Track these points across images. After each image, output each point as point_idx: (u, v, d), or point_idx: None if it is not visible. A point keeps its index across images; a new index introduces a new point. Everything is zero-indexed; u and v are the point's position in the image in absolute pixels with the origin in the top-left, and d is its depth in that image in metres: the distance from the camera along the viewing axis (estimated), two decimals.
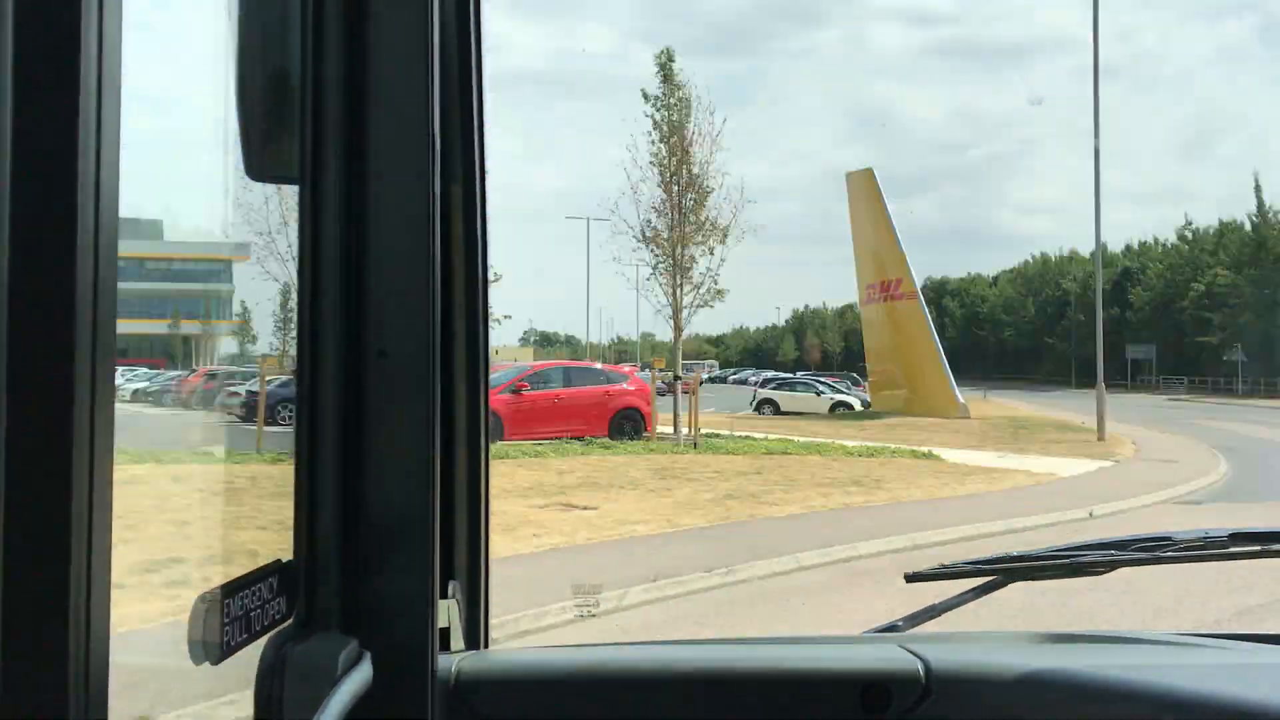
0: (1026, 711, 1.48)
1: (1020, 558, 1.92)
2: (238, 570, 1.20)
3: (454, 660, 1.53)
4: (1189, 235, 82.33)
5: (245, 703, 1.26)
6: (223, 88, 1.27)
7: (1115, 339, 74.98)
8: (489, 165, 1.67)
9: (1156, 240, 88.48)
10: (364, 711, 1.28)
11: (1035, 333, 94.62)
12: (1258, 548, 1.83)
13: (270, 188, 1.37)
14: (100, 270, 0.75)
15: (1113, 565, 1.87)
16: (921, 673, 1.54)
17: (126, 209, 0.80)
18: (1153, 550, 1.86)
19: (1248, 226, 70.05)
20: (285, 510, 1.35)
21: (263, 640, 1.23)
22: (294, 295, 1.37)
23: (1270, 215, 67.91)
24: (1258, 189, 72.11)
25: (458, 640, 1.59)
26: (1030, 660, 1.56)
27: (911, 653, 1.58)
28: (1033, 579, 1.94)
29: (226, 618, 1.14)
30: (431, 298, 1.39)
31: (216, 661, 1.12)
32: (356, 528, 1.37)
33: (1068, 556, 1.89)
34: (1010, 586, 1.92)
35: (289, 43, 1.30)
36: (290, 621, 1.29)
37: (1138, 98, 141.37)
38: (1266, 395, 58.60)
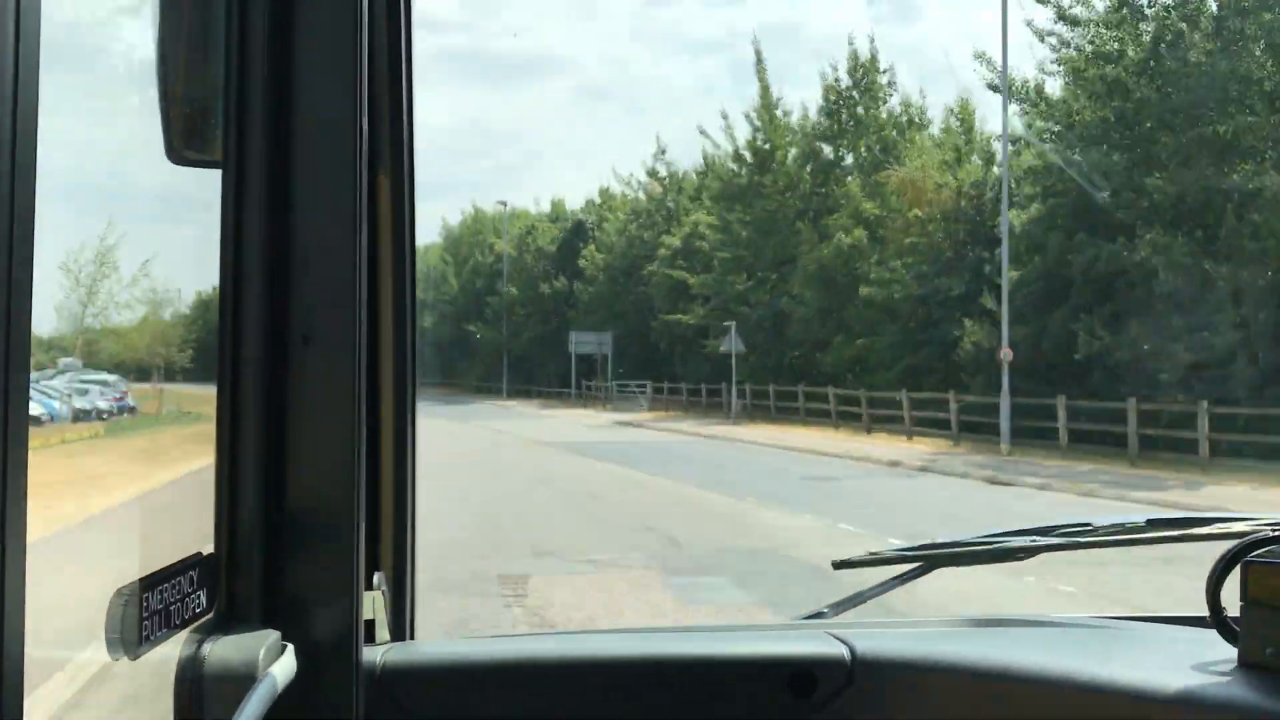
0: (951, 696, 1.51)
1: (945, 544, 1.96)
2: (156, 563, 1.17)
3: (379, 652, 1.51)
4: (662, 170, 54.06)
5: (165, 698, 1.23)
6: (144, 68, 1.24)
7: (559, 325, 54.36)
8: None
9: (629, 185, 58.02)
10: (287, 705, 1.26)
11: (460, 317, 66.87)
12: (1175, 532, 1.89)
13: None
14: (14, 267, 0.73)
15: (1035, 551, 1.91)
16: (848, 659, 1.56)
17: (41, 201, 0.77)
18: (1073, 536, 1.91)
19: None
20: (206, 500, 1.33)
21: (183, 634, 1.21)
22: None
23: (779, 114, 42.30)
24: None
25: (383, 632, 1.57)
26: (954, 646, 1.59)
27: (838, 639, 1.60)
28: (957, 565, 1.98)
29: (145, 612, 1.11)
30: (358, 284, 1.37)
31: (134, 656, 1.10)
32: (279, 518, 1.35)
33: (991, 543, 1.93)
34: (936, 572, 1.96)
35: (213, 23, 1.27)
36: (211, 615, 1.27)
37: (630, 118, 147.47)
38: (760, 417, 37.32)
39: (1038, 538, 1.91)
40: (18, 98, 0.73)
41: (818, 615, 1.86)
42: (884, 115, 39.89)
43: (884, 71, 40.23)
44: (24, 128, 0.74)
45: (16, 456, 0.73)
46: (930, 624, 1.82)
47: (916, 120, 39.59)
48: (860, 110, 40.09)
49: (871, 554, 1.98)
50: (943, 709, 1.52)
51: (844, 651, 1.57)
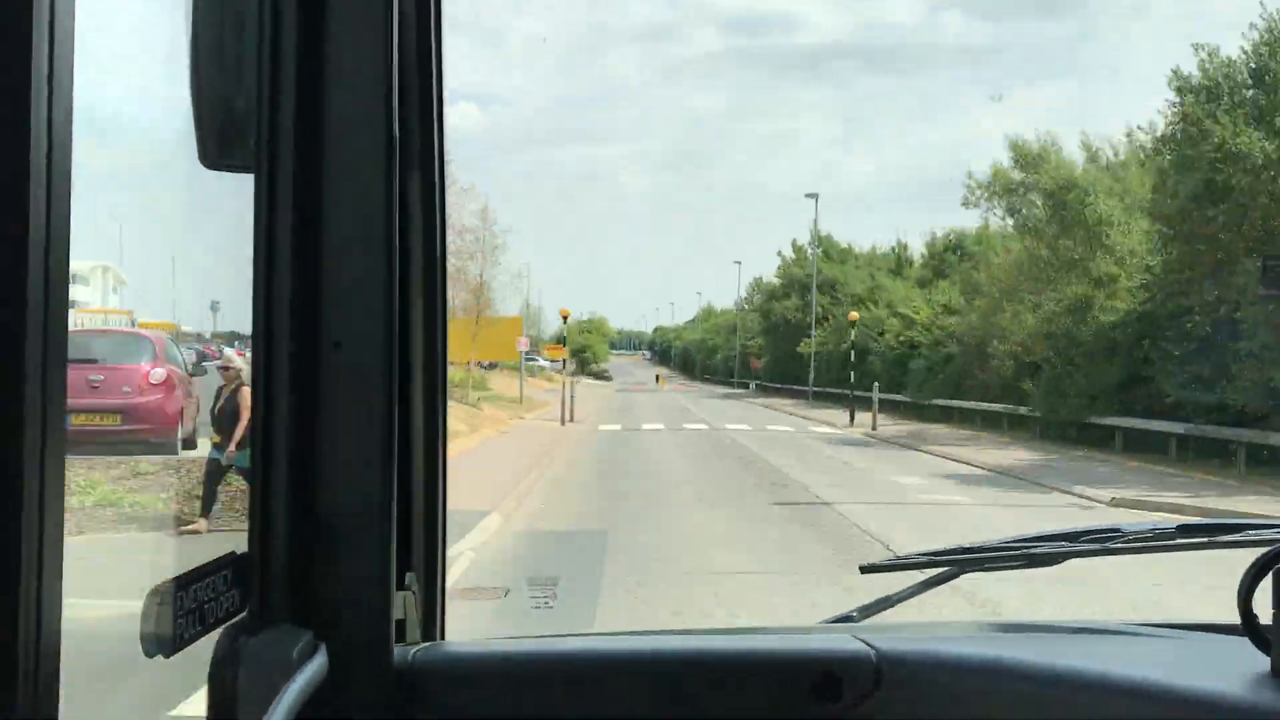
0: (979, 701, 1.50)
1: (973, 549, 1.95)
2: (191, 563, 1.19)
3: (410, 652, 1.52)
4: None
5: (199, 696, 1.25)
6: (179, 74, 1.26)
7: None
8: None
9: None
10: (319, 704, 1.27)
11: None
12: (1205, 539, 1.87)
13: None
14: (51, 268, 0.74)
15: (1064, 557, 1.90)
16: (874, 661, 1.56)
17: (78, 203, 0.79)
18: (1103, 542, 1.89)
19: None
20: (240, 501, 1.34)
21: (216, 633, 1.22)
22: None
23: None
24: None
25: (414, 632, 1.58)
26: (983, 650, 1.58)
27: (865, 642, 1.60)
28: (985, 570, 1.97)
29: (179, 611, 1.13)
30: (389, 288, 1.38)
31: (169, 654, 1.11)
32: (312, 519, 1.36)
33: (1019, 548, 1.91)
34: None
35: (246, 29, 1.28)
36: (244, 614, 1.28)
37: None
38: None
39: (1066, 543, 1.90)
40: (52, 104, 0.74)
41: (845, 618, 1.86)
42: None
43: None
44: (59, 134, 0.75)
45: (54, 451, 0.75)
46: (959, 628, 1.81)
47: None
48: None
49: (899, 558, 1.97)
50: (971, 714, 1.51)
51: (871, 655, 1.57)
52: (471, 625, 7.89)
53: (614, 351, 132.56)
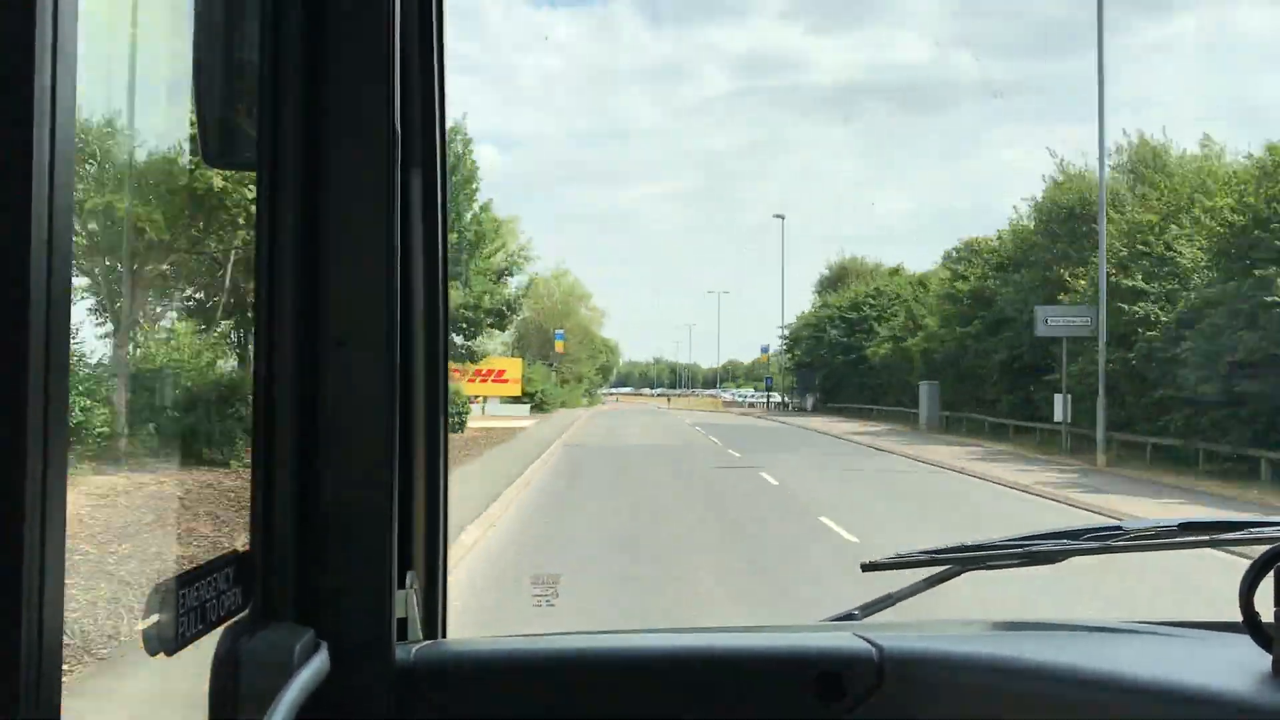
0: (980, 699, 1.51)
1: (975, 547, 1.95)
2: (193, 561, 1.19)
3: (411, 650, 1.53)
4: None
5: (201, 694, 1.25)
6: (180, 72, 1.26)
7: None
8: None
9: None
10: (321, 702, 1.27)
11: None
12: (1206, 537, 1.87)
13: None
14: (54, 267, 0.74)
15: (1065, 555, 1.90)
16: (876, 660, 1.56)
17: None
18: (1104, 540, 1.89)
19: None
20: (241, 500, 1.34)
21: (218, 631, 1.22)
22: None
23: None
24: None
25: (415, 630, 1.59)
26: (984, 648, 1.58)
27: (867, 640, 1.60)
28: (986, 568, 1.97)
29: (181, 608, 1.13)
30: (391, 286, 1.38)
31: (171, 652, 1.11)
32: (314, 518, 1.36)
33: (1020, 546, 1.91)
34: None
35: (248, 27, 1.29)
36: (246, 612, 1.28)
37: None
38: None
39: (1068, 541, 1.90)
40: (55, 103, 0.74)
41: (847, 617, 1.86)
42: None
43: None
44: (62, 132, 0.75)
45: (57, 456, 0.75)
46: (960, 626, 1.81)
47: None
48: None
49: (900, 556, 1.97)
50: (973, 712, 1.51)
51: (873, 653, 1.57)
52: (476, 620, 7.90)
53: (611, 392, 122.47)
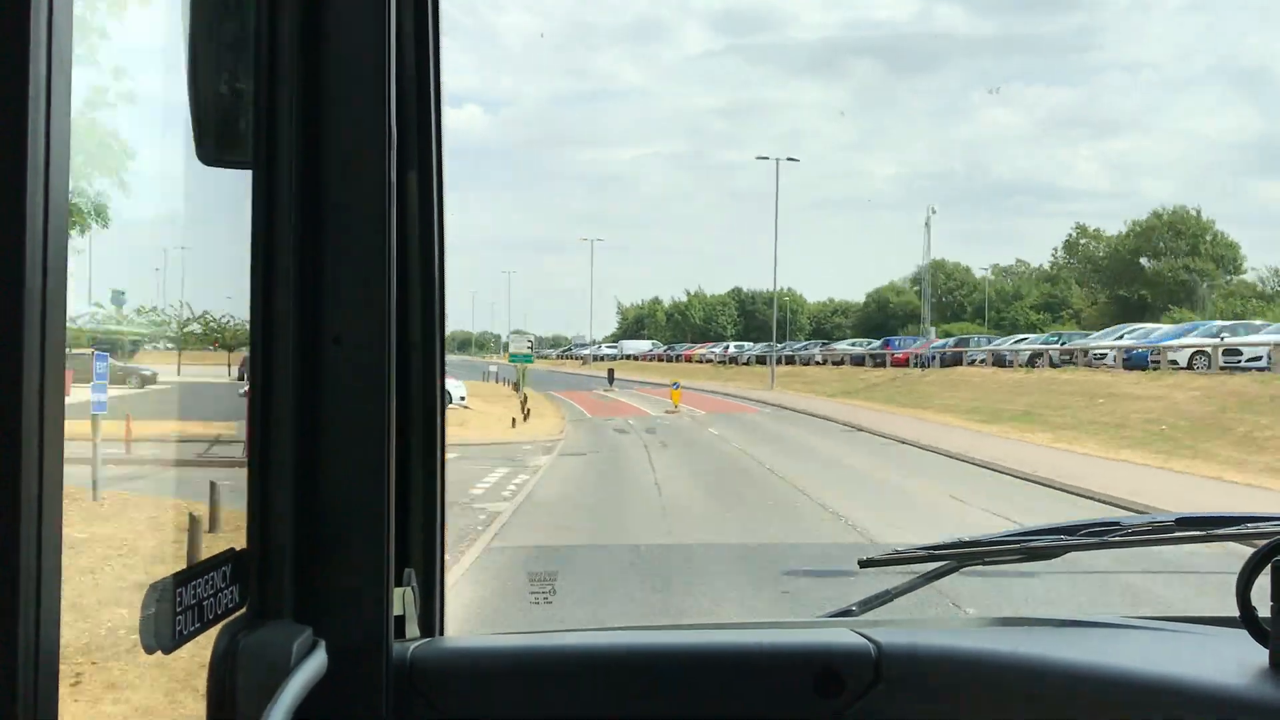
0: (978, 695, 1.51)
1: (972, 543, 1.95)
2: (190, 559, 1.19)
3: (409, 648, 1.53)
4: None
5: (199, 692, 1.25)
6: (176, 70, 1.26)
7: None
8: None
9: None
10: (318, 699, 1.27)
11: None
12: (1202, 532, 1.87)
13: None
14: (49, 266, 0.74)
15: (1063, 550, 1.90)
16: (874, 656, 1.56)
17: (75, 197, 0.78)
18: (1101, 535, 1.89)
19: None
20: (238, 498, 1.34)
21: (215, 629, 1.22)
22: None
23: None
24: None
25: (413, 628, 1.59)
26: (982, 644, 1.59)
27: (865, 637, 1.60)
28: (984, 564, 1.97)
29: (179, 607, 1.13)
30: (387, 284, 1.38)
31: (169, 651, 1.11)
32: (311, 516, 1.36)
33: (1018, 542, 1.92)
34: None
35: (244, 25, 1.28)
36: (244, 610, 1.28)
37: None
38: None
39: (1065, 537, 1.90)
40: (50, 101, 0.74)
41: (845, 613, 1.86)
42: None
43: None
44: (57, 129, 0.75)
45: (53, 453, 0.75)
46: (958, 622, 1.81)
47: None
48: None
49: (898, 553, 1.98)
50: (971, 708, 1.51)
51: (871, 649, 1.57)
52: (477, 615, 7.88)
53: (612, 347, 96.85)
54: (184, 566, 1.17)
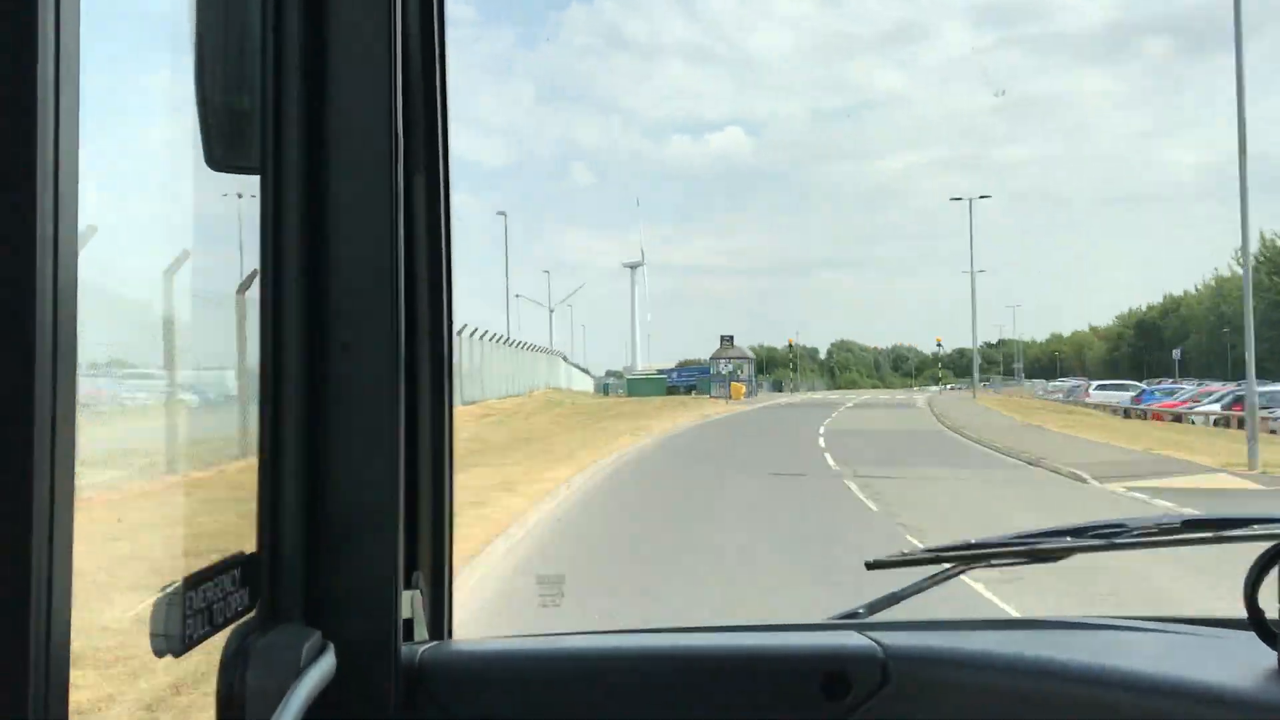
0: (986, 697, 1.51)
1: (979, 545, 1.95)
2: (200, 563, 1.20)
3: (418, 650, 1.53)
4: None
5: (208, 695, 1.25)
6: (182, 75, 1.26)
7: None
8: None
9: None
10: (328, 702, 1.28)
11: None
12: (1210, 534, 1.87)
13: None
14: (60, 271, 0.75)
15: (1069, 552, 1.89)
16: (881, 658, 1.56)
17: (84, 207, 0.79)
18: (1108, 537, 1.89)
19: None
20: (248, 502, 1.35)
21: (225, 632, 1.23)
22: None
23: None
24: None
25: (421, 631, 1.59)
26: (989, 646, 1.58)
27: (872, 639, 1.60)
28: (991, 566, 1.97)
29: (189, 610, 1.14)
30: (395, 290, 1.39)
31: (179, 654, 1.12)
32: (320, 519, 1.37)
33: (1024, 544, 1.91)
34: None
35: (250, 31, 1.29)
36: (253, 613, 1.29)
37: None
38: None
39: (1072, 538, 1.89)
40: (59, 105, 0.75)
41: (852, 615, 1.86)
42: None
43: None
44: (66, 134, 0.75)
45: (64, 455, 0.75)
46: (966, 624, 1.81)
47: None
48: None
49: (905, 555, 1.97)
50: (980, 710, 1.51)
51: (878, 651, 1.57)
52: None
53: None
54: (194, 570, 1.17)
